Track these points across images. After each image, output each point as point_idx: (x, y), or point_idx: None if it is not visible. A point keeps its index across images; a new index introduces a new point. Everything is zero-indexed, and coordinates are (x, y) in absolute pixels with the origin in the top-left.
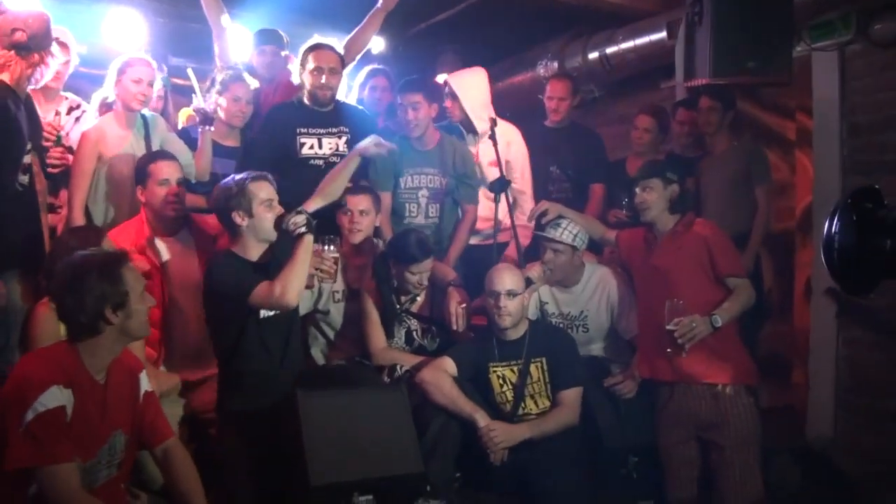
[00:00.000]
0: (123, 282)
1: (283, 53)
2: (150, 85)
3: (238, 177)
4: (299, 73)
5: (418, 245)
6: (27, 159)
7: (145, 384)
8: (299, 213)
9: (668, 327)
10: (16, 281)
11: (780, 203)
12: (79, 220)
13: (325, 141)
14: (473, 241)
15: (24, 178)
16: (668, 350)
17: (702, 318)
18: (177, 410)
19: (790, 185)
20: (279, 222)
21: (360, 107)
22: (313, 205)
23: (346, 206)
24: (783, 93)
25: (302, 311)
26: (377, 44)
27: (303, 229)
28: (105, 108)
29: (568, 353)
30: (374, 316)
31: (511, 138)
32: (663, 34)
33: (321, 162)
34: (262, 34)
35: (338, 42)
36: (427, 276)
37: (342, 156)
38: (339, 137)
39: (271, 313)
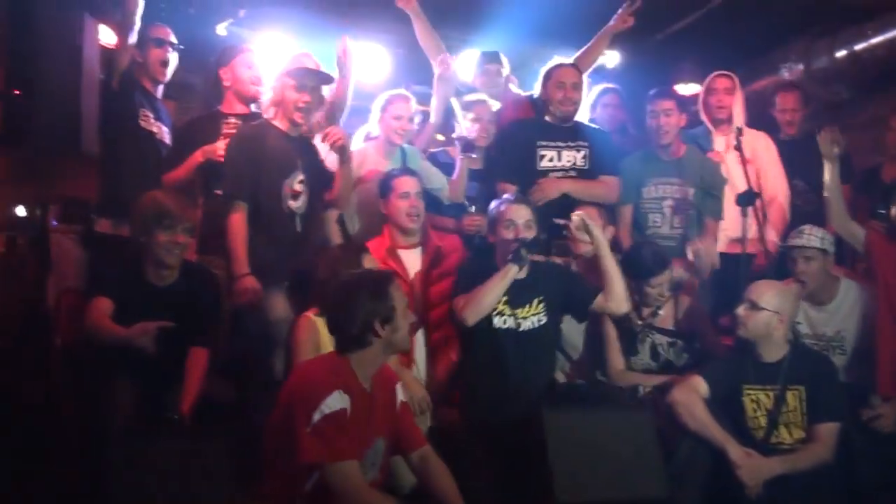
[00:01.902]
0: (391, 298)
1: (503, 73)
2: (410, 120)
3: (497, 202)
4: (540, 90)
5: (654, 258)
6: (298, 187)
7: (401, 394)
8: (519, 241)
9: None
10: (283, 294)
11: None
12: (335, 234)
13: (564, 153)
14: (721, 248)
15: (294, 204)
16: None
17: None
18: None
19: None
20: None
21: (595, 125)
22: None
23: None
24: None
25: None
26: (611, 58)
27: (509, 257)
28: (368, 138)
29: (829, 383)
30: (612, 337)
31: (756, 145)
32: None
33: (560, 174)
34: (485, 56)
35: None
36: (667, 287)
37: (580, 170)
38: (578, 151)
39: (505, 325)
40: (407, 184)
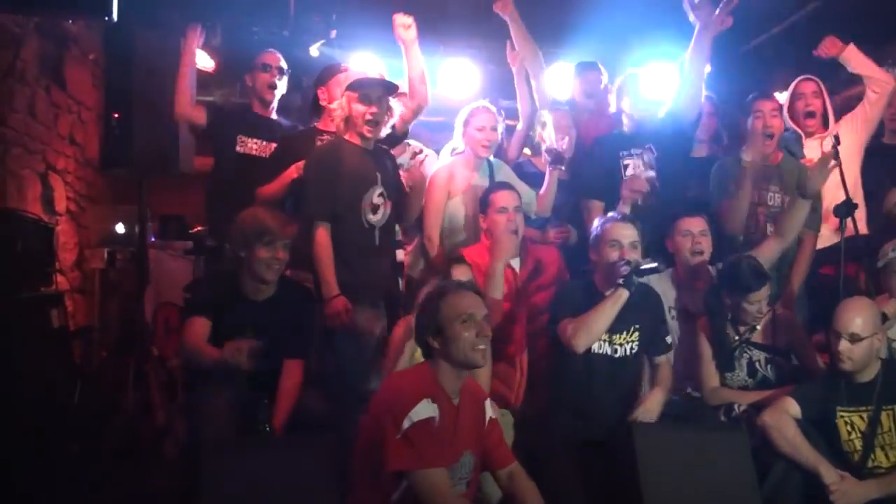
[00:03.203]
0: (440, 311)
1: (603, 82)
2: (494, 130)
3: (601, 220)
4: (616, 102)
5: (753, 273)
6: (378, 200)
7: (490, 411)
8: (627, 262)
9: None
10: (375, 309)
11: None
12: (435, 247)
13: (646, 157)
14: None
15: (373, 217)
16: None
17: None
18: (509, 420)
19: None
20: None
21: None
22: None
23: (686, 229)
24: None
25: None
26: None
27: (620, 281)
28: (455, 154)
29: None
30: (706, 354)
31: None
32: None
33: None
34: (581, 65)
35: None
36: (766, 304)
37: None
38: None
39: (601, 350)
40: (505, 198)
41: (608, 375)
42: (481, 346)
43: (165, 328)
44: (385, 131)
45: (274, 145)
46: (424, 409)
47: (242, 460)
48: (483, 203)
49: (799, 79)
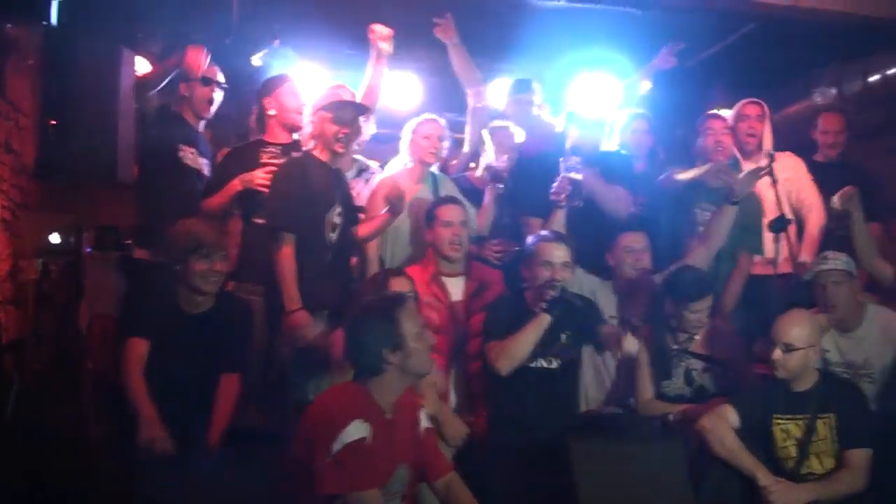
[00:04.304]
0: (399, 324)
1: (535, 102)
2: (440, 140)
3: (533, 238)
4: (562, 128)
5: (697, 283)
6: (337, 220)
7: (425, 421)
8: (554, 286)
9: None
10: (323, 321)
11: None
12: (373, 259)
13: None
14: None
15: (333, 236)
16: None
17: None
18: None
19: None
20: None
21: (624, 151)
22: None
23: (627, 245)
24: None
25: None
26: (644, 84)
27: (544, 306)
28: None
29: (858, 411)
30: (644, 364)
31: (787, 165)
32: None
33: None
34: (517, 84)
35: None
36: (707, 314)
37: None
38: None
39: (537, 365)
40: (450, 212)
41: (545, 387)
42: (432, 355)
43: (101, 340)
44: (354, 150)
45: (203, 160)
46: (356, 431)
47: (179, 476)
48: (428, 216)
49: (744, 102)
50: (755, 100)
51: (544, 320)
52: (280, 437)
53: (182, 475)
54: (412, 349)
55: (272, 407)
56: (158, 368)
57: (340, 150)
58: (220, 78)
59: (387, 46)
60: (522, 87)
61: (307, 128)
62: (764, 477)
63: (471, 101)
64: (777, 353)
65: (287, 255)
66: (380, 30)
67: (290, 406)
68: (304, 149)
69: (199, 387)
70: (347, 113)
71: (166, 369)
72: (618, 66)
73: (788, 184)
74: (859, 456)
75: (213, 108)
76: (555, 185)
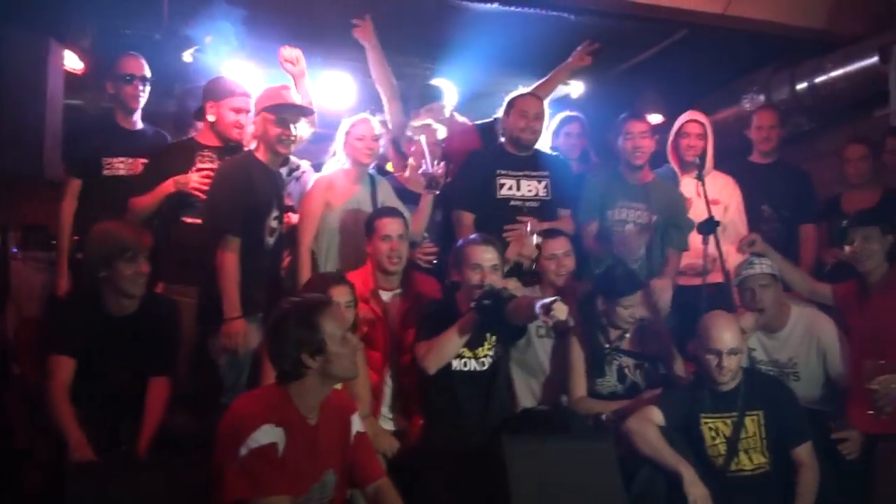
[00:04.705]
0: (320, 328)
1: (445, 109)
2: (375, 140)
3: (462, 241)
4: (503, 118)
5: (626, 278)
6: (273, 224)
7: (357, 425)
8: (483, 287)
9: (869, 387)
10: (256, 325)
11: None
12: (305, 261)
13: (523, 183)
14: (682, 280)
15: (270, 240)
16: (870, 412)
17: None
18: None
19: None
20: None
21: (555, 153)
22: None
23: (550, 252)
24: None
25: None
26: (576, 88)
27: (473, 304)
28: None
29: (790, 406)
30: (578, 362)
31: (718, 185)
32: (875, 59)
33: (519, 203)
34: (427, 93)
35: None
36: (638, 309)
37: (542, 200)
38: (539, 181)
39: (465, 367)
40: (389, 226)
41: (476, 388)
42: (358, 359)
43: (29, 345)
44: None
45: (142, 161)
46: (264, 436)
47: (107, 483)
48: (368, 227)
49: (686, 118)
50: (697, 117)
51: (473, 320)
52: (212, 442)
53: (111, 484)
54: (334, 353)
55: (204, 410)
56: (85, 374)
57: (283, 152)
58: (146, 72)
59: (295, 69)
60: (432, 94)
61: (249, 128)
62: (685, 470)
63: (386, 109)
64: (728, 360)
65: (230, 260)
66: (285, 52)
67: (222, 410)
68: (245, 149)
69: (127, 391)
70: (291, 115)
71: (93, 375)
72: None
73: (722, 203)
74: (807, 450)
75: (141, 102)
76: (523, 249)
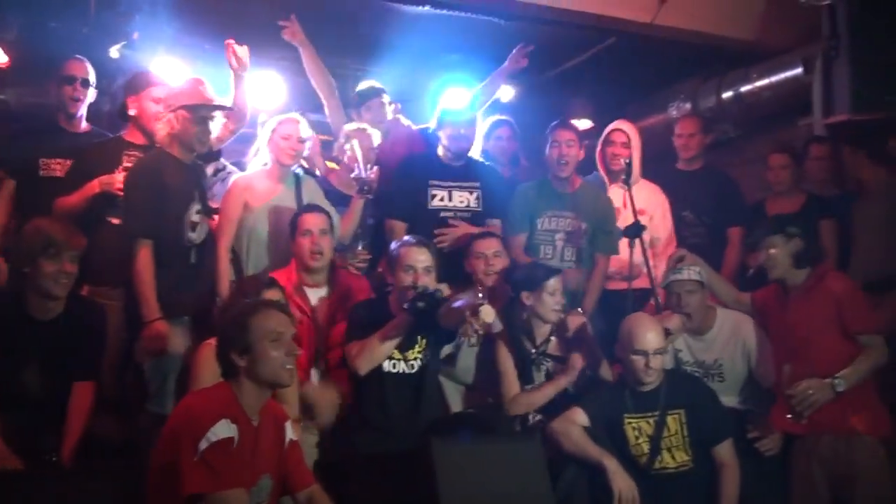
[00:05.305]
0: (249, 329)
1: (388, 105)
2: (301, 141)
3: (396, 243)
4: (435, 125)
5: (544, 268)
6: (196, 218)
7: (290, 433)
8: (415, 288)
9: (786, 392)
10: (182, 328)
11: None
12: (224, 262)
13: (455, 194)
14: (609, 285)
15: (193, 236)
16: (788, 416)
17: (822, 382)
18: (312, 440)
19: None
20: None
21: (488, 162)
22: None
23: (479, 251)
24: None
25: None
26: (506, 93)
27: (405, 306)
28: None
29: (711, 405)
30: (508, 366)
31: (645, 194)
32: (799, 70)
33: (451, 214)
34: (362, 94)
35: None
36: (561, 295)
37: (473, 211)
38: (471, 193)
39: (395, 369)
40: (309, 221)
41: (406, 391)
42: (289, 366)
43: None
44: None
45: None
46: (223, 430)
47: (30, 493)
48: (291, 226)
49: (612, 127)
50: (622, 126)
51: (405, 321)
52: (137, 447)
53: (34, 494)
54: (260, 355)
55: (130, 416)
56: (7, 379)
57: (200, 149)
58: (88, 75)
59: (235, 63)
60: (369, 95)
61: (163, 125)
62: (609, 462)
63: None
64: (655, 361)
65: (144, 262)
66: (238, 50)
67: (148, 415)
68: (157, 146)
69: (50, 396)
70: (207, 112)
71: (15, 380)
72: (477, 71)
73: (649, 213)
74: (728, 448)
75: (82, 107)
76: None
